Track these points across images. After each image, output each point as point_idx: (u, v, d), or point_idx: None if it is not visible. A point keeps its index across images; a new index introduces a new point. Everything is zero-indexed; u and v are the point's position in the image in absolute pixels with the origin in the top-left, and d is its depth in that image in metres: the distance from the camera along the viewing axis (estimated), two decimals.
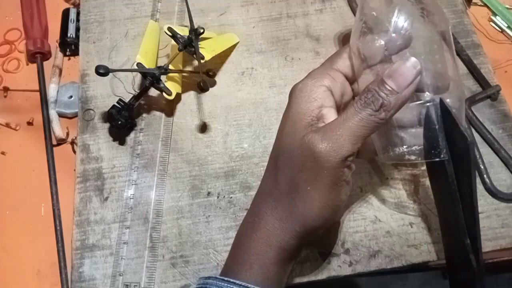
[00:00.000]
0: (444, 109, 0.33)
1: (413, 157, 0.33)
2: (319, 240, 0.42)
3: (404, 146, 0.33)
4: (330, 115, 0.32)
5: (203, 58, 0.45)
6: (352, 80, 0.35)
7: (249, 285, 0.31)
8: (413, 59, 0.30)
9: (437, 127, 0.32)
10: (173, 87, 0.46)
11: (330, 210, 0.31)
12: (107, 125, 0.48)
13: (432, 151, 0.32)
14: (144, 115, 0.48)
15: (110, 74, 0.43)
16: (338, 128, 0.30)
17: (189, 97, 0.50)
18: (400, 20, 0.31)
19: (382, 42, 0.32)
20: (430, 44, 0.32)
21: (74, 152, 0.48)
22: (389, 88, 0.30)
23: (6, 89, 0.51)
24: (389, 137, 0.33)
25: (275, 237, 0.32)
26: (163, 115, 0.49)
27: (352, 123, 0.30)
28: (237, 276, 0.32)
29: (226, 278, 0.32)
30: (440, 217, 0.41)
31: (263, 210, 0.33)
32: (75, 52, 0.53)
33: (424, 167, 0.45)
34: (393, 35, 0.31)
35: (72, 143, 0.48)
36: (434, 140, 0.32)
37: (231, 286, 0.31)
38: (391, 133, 0.33)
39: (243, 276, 0.32)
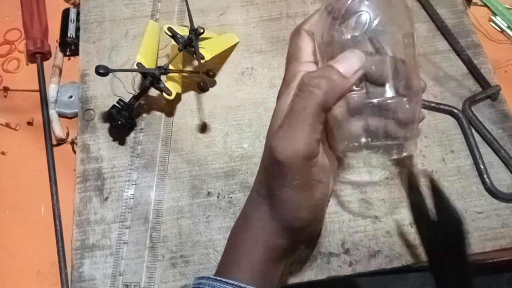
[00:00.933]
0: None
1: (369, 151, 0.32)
2: (319, 240, 0.42)
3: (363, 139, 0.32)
4: None
5: (203, 58, 0.45)
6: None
7: (240, 284, 0.31)
8: (358, 51, 0.30)
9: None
10: (173, 87, 0.46)
11: (306, 211, 0.31)
12: (107, 125, 0.48)
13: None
14: (144, 115, 0.48)
15: (110, 74, 0.43)
16: (289, 126, 0.30)
17: (189, 97, 0.50)
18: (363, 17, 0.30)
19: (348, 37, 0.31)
20: (395, 41, 0.32)
21: (74, 152, 0.48)
22: (335, 70, 0.29)
23: (6, 89, 0.51)
24: (343, 130, 0.32)
25: (261, 237, 0.33)
26: (163, 115, 0.49)
27: (300, 115, 0.29)
28: (229, 275, 0.32)
29: (218, 278, 0.32)
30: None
31: (250, 212, 0.34)
32: (75, 52, 0.53)
33: (423, 167, 0.45)
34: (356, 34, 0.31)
35: (72, 143, 0.48)
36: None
37: (223, 285, 0.31)
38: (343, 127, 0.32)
39: (233, 275, 0.32)
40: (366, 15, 0.30)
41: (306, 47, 0.34)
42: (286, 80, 0.34)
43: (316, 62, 0.34)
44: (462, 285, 0.36)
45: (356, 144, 0.31)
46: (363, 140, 0.31)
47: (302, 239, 0.35)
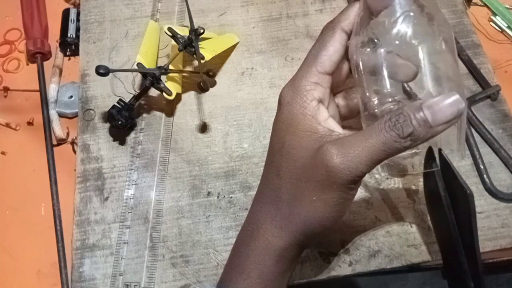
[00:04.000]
0: (443, 162, 0.33)
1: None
2: (319, 240, 0.42)
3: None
4: (335, 126, 0.32)
5: (203, 58, 0.45)
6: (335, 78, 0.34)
7: None
8: (457, 96, 0.28)
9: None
10: (173, 87, 0.46)
11: (332, 221, 0.31)
12: (107, 125, 0.48)
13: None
14: (144, 115, 0.49)
15: (110, 74, 0.43)
16: (357, 146, 0.28)
17: (189, 97, 0.50)
18: (403, 27, 0.30)
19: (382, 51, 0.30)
20: (433, 50, 0.31)
21: (74, 152, 0.48)
22: (424, 119, 0.27)
23: (6, 89, 0.51)
24: None
25: (274, 246, 0.31)
26: (163, 115, 0.49)
27: (373, 144, 0.28)
28: (235, 285, 0.32)
29: None
30: (438, 242, 0.41)
31: (262, 218, 0.33)
32: (75, 52, 0.53)
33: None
34: (396, 42, 0.30)
35: (72, 143, 0.48)
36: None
37: None
38: None
39: (241, 285, 0.32)
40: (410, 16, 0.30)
41: (334, 54, 0.32)
42: (297, 82, 0.32)
43: (332, 74, 0.33)
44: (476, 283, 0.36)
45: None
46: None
47: (309, 245, 0.34)
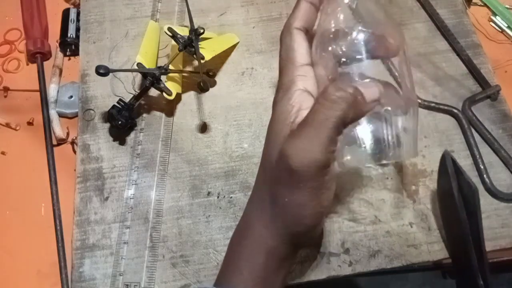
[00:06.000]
0: (452, 160, 0.39)
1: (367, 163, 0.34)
2: (319, 240, 0.42)
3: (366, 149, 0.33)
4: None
5: (203, 58, 0.45)
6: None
7: None
8: (379, 83, 0.31)
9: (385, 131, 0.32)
10: (173, 87, 0.46)
11: (312, 218, 0.31)
12: (107, 125, 0.48)
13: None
14: (144, 115, 0.49)
15: (110, 74, 0.43)
16: (307, 135, 0.29)
17: (189, 97, 0.50)
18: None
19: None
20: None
21: (74, 152, 0.48)
22: (359, 92, 0.30)
23: (6, 89, 0.51)
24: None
25: (263, 244, 0.32)
26: (163, 115, 0.49)
27: (314, 126, 0.29)
28: (229, 283, 0.32)
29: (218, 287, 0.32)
30: (448, 236, 0.42)
31: (251, 218, 0.34)
32: (75, 52, 0.53)
33: (423, 167, 0.45)
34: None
35: (72, 143, 0.48)
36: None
37: None
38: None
39: (234, 282, 0.32)
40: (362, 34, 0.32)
41: (299, 48, 0.33)
42: (283, 85, 0.33)
43: (311, 64, 0.33)
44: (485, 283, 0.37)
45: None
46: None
47: (303, 244, 0.34)
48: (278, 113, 0.32)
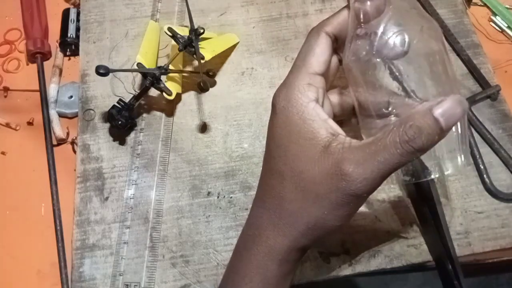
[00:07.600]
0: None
1: (407, 178, 0.34)
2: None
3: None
4: (335, 126, 0.31)
5: (203, 58, 0.45)
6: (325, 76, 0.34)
7: None
8: (460, 96, 0.28)
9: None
10: (173, 87, 0.46)
11: (340, 228, 0.31)
12: (107, 125, 0.48)
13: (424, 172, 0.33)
14: (144, 115, 0.49)
15: (110, 74, 0.43)
16: (373, 160, 0.28)
17: (189, 97, 0.50)
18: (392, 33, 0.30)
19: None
20: (427, 53, 0.31)
21: (74, 152, 0.48)
22: (438, 125, 0.27)
23: (6, 89, 0.51)
24: None
25: (277, 251, 0.31)
26: (163, 115, 0.49)
27: (387, 158, 0.27)
28: None
29: None
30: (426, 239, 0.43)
31: (264, 225, 0.32)
32: (75, 52, 0.53)
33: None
34: (390, 51, 0.30)
35: (72, 143, 0.48)
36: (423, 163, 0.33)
37: None
38: None
39: None
40: (403, 35, 0.30)
41: (321, 55, 0.32)
42: (290, 85, 0.32)
43: (323, 75, 0.32)
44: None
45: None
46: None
47: (311, 247, 0.34)
48: (299, 125, 0.31)
